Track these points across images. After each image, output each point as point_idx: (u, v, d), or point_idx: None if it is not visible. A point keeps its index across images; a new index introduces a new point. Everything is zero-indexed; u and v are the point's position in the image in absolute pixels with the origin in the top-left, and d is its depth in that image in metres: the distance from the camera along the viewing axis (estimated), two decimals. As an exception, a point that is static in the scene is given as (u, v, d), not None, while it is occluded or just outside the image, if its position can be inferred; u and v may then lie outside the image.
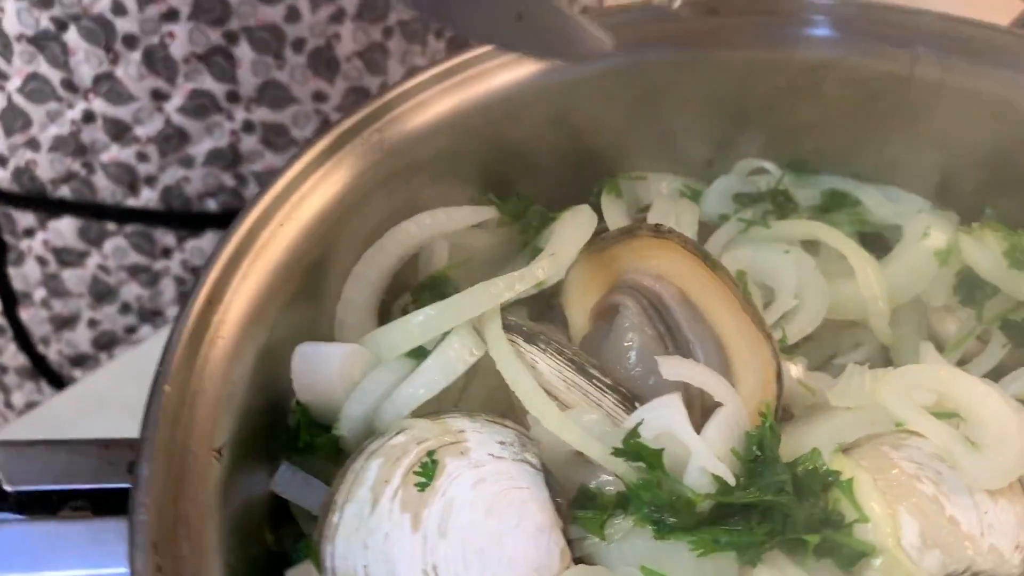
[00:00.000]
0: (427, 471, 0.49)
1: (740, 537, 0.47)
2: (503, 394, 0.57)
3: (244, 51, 0.98)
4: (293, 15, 0.97)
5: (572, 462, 0.54)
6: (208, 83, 0.99)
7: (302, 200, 0.57)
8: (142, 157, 1.04)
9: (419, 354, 0.57)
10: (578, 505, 0.52)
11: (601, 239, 0.63)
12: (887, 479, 0.51)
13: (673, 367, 0.53)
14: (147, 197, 1.07)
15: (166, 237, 1.11)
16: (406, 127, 0.61)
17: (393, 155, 0.62)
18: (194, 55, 0.97)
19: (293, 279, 0.57)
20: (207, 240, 1.12)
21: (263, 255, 0.55)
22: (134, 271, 1.10)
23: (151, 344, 1.07)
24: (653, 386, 0.56)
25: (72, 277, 1.08)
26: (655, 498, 0.49)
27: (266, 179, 1.07)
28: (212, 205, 1.10)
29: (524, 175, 0.72)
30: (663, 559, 0.48)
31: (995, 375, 0.62)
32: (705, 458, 0.48)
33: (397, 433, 0.52)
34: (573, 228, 0.64)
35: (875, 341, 0.66)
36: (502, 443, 0.52)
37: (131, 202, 1.07)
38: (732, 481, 0.48)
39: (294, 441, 0.55)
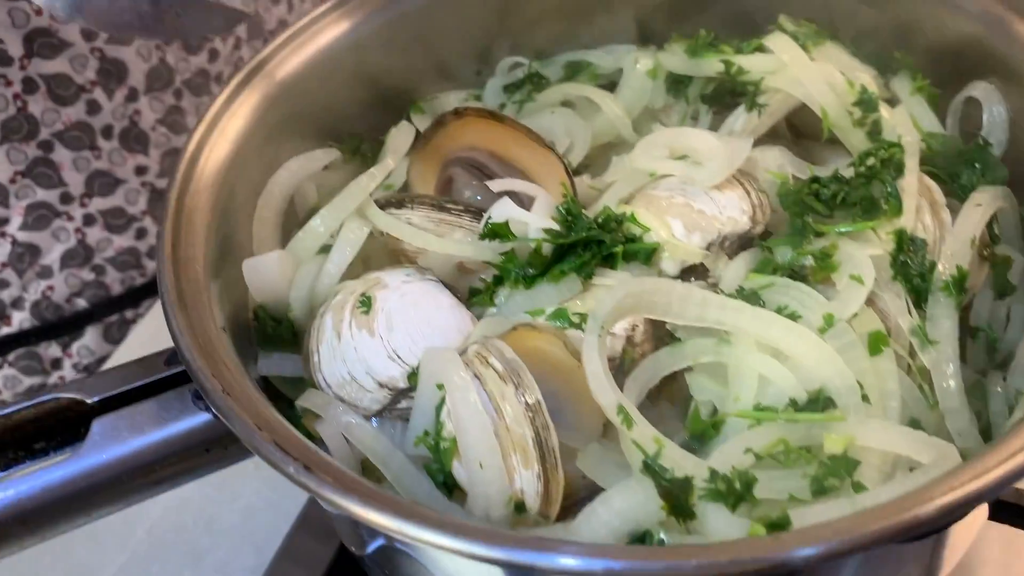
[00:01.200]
0: (366, 302, 0.71)
1: (574, 263, 0.72)
2: (390, 255, 0.80)
3: (62, 154, 1.09)
4: (94, 107, 1.12)
5: (457, 276, 0.77)
6: (40, 194, 1.10)
7: (203, 170, 0.77)
8: (2, 284, 1.13)
9: (326, 250, 0.78)
10: (471, 297, 0.76)
11: (422, 137, 0.87)
12: (655, 205, 0.77)
13: (497, 184, 0.77)
14: (19, 319, 1.15)
15: (50, 349, 1.20)
16: (261, 99, 0.82)
17: (257, 126, 0.83)
18: (18, 173, 1.07)
19: (218, 233, 0.76)
20: (89, 336, 1.22)
21: (194, 218, 0.74)
22: (30, 394, 1.20)
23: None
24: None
25: None
26: (516, 264, 0.73)
27: (121, 262, 1.22)
28: (82, 303, 1.20)
29: (353, 120, 0.94)
30: (536, 300, 0.72)
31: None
32: (536, 220, 0.72)
33: (335, 295, 0.74)
34: (399, 136, 0.88)
35: (630, 146, 0.93)
36: (407, 274, 0.74)
37: (6, 330, 1.15)
38: (558, 228, 0.72)
39: (264, 333, 0.75)
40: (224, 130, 0.80)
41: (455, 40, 1.00)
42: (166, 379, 0.64)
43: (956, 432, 0.66)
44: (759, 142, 0.83)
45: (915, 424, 0.66)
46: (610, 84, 0.99)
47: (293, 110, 0.87)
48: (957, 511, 0.47)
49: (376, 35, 0.93)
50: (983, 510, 0.75)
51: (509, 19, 1.01)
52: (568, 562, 0.48)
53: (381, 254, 0.82)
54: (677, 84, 0.93)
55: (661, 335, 0.72)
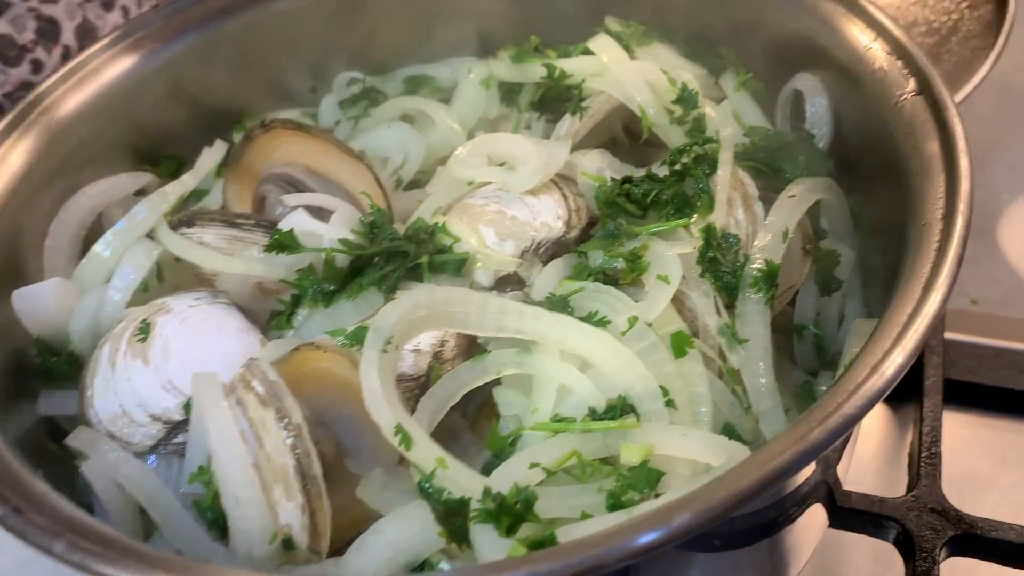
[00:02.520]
0: (144, 330, 0.65)
1: (374, 276, 0.67)
2: (195, 279, 0.74)
3: None
4: None
5: (257, 298, 0.72)
6: None
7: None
8: None
9: (121, 278, 0.73)
10: (271, 320, 0.70)
11: (232, 154, 0.82)
12: (469, 213, 0.73)
13: (293, 198, 0.72)
14: None
15: None
16: (61, 118, 0.77)
17: (45, 154, 0.77)
18: None
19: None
20: None
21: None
22: None
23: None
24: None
25: None
26: (312, 281, 0.68)
27: None
28: None
29: (174, 141, 0.89)
30: (335, 319, 0.67)
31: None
32: (330, 231, 0.67)
33: (118, 324, 0.68)
34: (207, 154, 0.83)
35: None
36: (197, 298, 0.69)
37: None
38: (352, 237, 0.68)
39: (43, 368, 0.69)
40: (4, 161, 0.74)
41: (286, 56, 0.95)
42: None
43: (771, 435, 0.62)
44: (584, 145, 0.80)
45: (730, 429, 0.62)
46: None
47: (93, 135, 0.82)
48: (710, 523, 0.42)
49: (193, 54, 0.88)
50: (820, 517, 0.71)
51: (346, 34, 0.97)
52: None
53: (191, 279, 0.76)
54: (510, 93, 0.89)
55: (473, 349, 0.68)
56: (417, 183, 0.87)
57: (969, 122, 1.35)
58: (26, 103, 0.77)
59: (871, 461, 0.97)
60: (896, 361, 0.49)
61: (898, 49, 0.69)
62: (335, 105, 0.96)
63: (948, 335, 1.01)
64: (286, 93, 0.97)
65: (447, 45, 0.99)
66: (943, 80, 0.65)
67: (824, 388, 0.67)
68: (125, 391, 0.63)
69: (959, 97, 1.06)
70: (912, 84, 0.66)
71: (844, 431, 0.45)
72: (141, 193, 0.84)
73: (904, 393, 0.96)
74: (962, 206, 0.55)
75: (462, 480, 0.55)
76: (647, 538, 0.42)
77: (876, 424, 1.00)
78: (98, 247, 0.72)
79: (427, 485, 0.54)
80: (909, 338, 0.50)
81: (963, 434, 0.99)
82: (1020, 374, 0.99)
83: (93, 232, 0.80)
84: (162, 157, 0.88)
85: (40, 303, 0.68)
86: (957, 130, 0.60)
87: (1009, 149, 1.28)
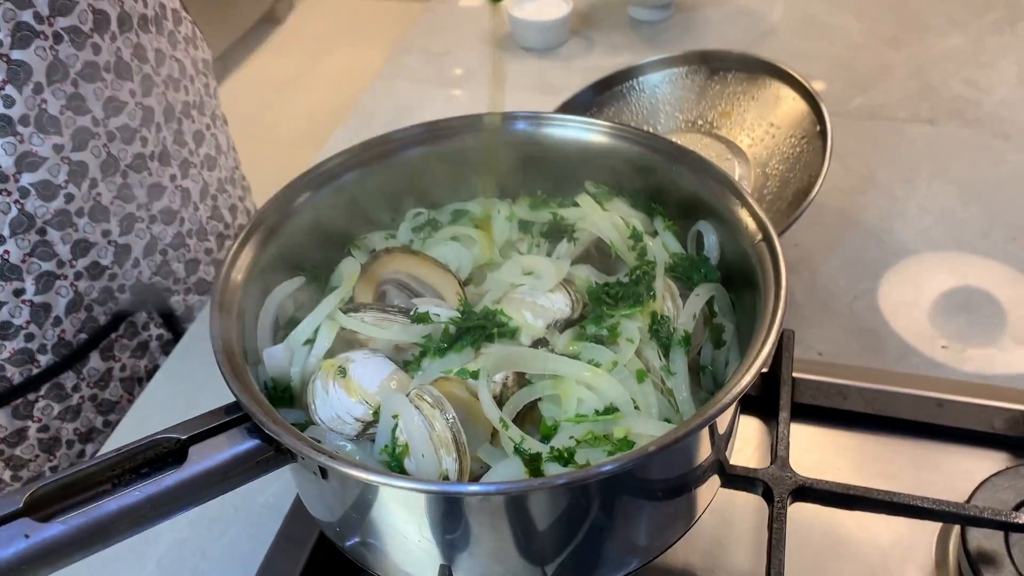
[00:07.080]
0: (341, 371, 1.16)
1: (469, 340, 1.19)
2: (347, 343, 1.25)
3: (54, 235, 1.48)
4: (69, 198, 1.51)
5: (395, 353, 1.24)
6: (45, 266, 1.48)
7: (228, 299, 1.20)
8: (28, 337, 1.49)
9: (309, 342, 1.23)
10: (405, 365, 1.22)
11: (364, 265, 1.33)
12: (514, 303, 1.26)
13: (420, 301, 1.24)
14: (45, 360, 1.54)
15: (68, 380, 1.58)
16: (258, 245, 1.28)
17: (257, 260, 1.27)
18: (26, 255, 1.45)
19: (239, 336, 1.20)
20: (94, 360, 1.60)
21: (229, 334, 1.17)
22: (63, 415, 1.57)
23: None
24: (413, 311, 1.27)
25: (24, 449, 1.54)
26: (433, 342, 1.20)
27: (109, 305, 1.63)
28: (84, 337, 1.59)
29: (311, 256, 1.39)
30: (447, 364, 1.19)
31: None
32: (446, 313, 1.20)
33: (320, 369, 1.18)
34: (348, 267, 1.35)
35: (497, 265, 1.42)
36: (365, 353, 1.20)
37: (36, 370, 1.52)
38: (457, 315, 1.20)
39: (274, 396, 1.19)
40: (238, 267, 1.24)
41: (378, 200, 1.48)
42: (229, 421, 1.07)
43: (689, 424, 1.16)
44: (576, 261, 1.35)
45: (667, 421, 1.16)
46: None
47: (276, 253, 1.32)
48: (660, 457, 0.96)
49: (326, 200, 1.40)
50: (715, 481, 1.25)
51: (414, 184, 1.50)
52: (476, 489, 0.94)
53: (341, 341, 1.27)
54: (525, 225, 1.44)
55: (522, 380, 1.20)
56: (467, 282, 1.40)
57: (809, 225, 1.96)
58: (250, 226, 1.27)
59: (752, 452, 1.53)
60: (744, 380, 1.04)
61: (755, 216, 1.25)
62: (408, 229, 1.49)
63: (798, 374, 1.59)
64: (374, 222, 1.49)
65: (476, 191, 1.53)
66: (776, 231, 1.21)
67: (717, 401, 1.22)
68: (338, 406, 1.13)
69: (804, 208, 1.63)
70: (760, 235, 1.23)
71: (721, 411, 0.99)
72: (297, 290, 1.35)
73: (769, 413, 1.53)
74: (779, 313, 1.10)
75: (534, 445, 1.08)
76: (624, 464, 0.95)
77: (753, 432, 1.56)
78: (303, 324, 1.22)
79: (518, 447, 1.06)
80: (752, 370, 1.05)
81: (807, 439, 1.55)
82: (844, 399, 1.57)
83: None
84: (307, 266, 1.38)
85: (277, 358, 1.18)
86: (781, 268, 1.16)
87: (842, 246, 1.88)
